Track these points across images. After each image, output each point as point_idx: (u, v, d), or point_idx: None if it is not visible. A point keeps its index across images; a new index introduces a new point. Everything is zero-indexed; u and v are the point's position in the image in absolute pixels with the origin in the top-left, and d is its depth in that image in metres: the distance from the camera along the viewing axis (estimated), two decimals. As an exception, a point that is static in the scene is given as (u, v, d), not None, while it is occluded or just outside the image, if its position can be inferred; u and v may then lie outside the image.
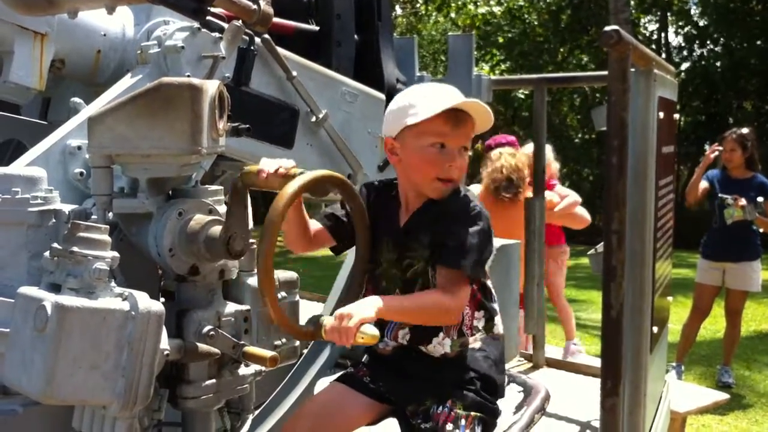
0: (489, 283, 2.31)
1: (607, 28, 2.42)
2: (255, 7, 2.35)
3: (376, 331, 1.91)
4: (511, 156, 5.44)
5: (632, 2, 17.89)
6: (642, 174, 2.75)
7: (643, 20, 21.65)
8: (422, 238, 2.18)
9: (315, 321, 2.01)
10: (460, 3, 19.50)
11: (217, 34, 2.59)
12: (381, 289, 2.26)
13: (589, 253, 5.04)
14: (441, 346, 2.24)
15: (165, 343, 1.83)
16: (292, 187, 1.97)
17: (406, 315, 2.13)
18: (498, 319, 2.34)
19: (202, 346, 2.01)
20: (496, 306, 2.34)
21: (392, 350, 2.31)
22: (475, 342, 2.27)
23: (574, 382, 4.15)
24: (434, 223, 2.16)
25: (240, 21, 2.60)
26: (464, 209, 2.15)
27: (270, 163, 2.08)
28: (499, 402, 2.29)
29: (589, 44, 19.74)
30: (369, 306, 1.96)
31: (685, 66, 20.74)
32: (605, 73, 2.66)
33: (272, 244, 1.91)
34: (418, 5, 20.84)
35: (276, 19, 2.60)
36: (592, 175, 18.72)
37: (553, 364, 4.45)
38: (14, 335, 1.76)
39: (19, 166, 2.14)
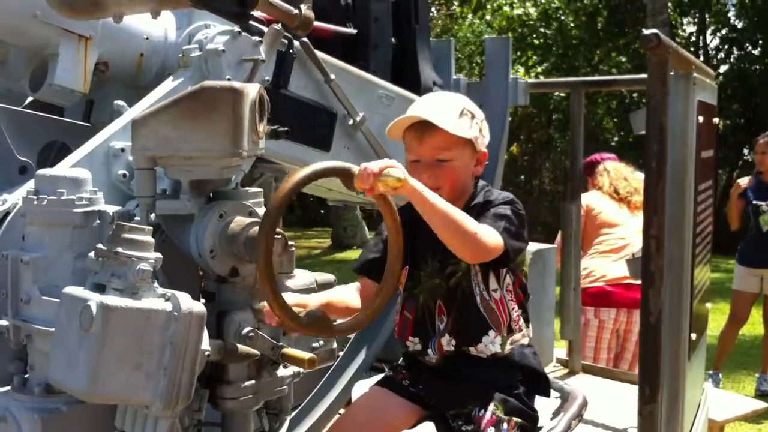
0: (527, 286, 2.35)
1: (647, 32, 2.41)
2: (296, 11, 2.37)
3: (400, 174, 1.89)
4: (626, 168, 5.57)
5: (670, 4, 17.71)
6: (681, 179, 2.73)
7: (681, 22, 21.43)
8: None
9: (314, 314, 1.98)
10: (495, 5, 19.44)
11: (257, 38, 2.62)
12: (420, 305, 2.29)
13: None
14: (492, 344, 2.25)
15: (206, 343, 1.86)
16: (298, 174, 1.93)
17: (433, 207, 2.00)
18: (531, 324, 2.38)
19: (242, 347, 2.04)
20: (530, 311, 2.37)
21: (438, 360, 2.32)
22: (523, 338, 2.29)
23: (611, 389, 4.11)
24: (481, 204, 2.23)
25: (279, 24, 2.62)
26: (497, 196, 2.24)
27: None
28: (537, 408, 2.29)
29: (626, 46, 19.56)
30: (402, 167, 1.94)
31: (723, 68, 20.49)
32: (644, 76, 2.64)
33: (272, 233, 1.89)
34: (453, 7, 20.81)
35: (315, 23, 2.62)
36: (628, 178, 18.60)
37: (589, 370, 4.42)
38: (59, 334, 1.80)
39: (64, 168, 2.18)
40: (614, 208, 5.33)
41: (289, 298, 2.03)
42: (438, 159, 2.23)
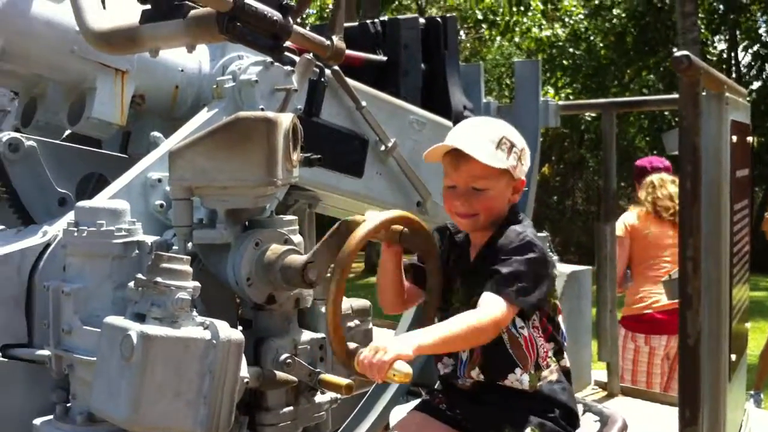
0: (560, 318, 2.32)
1: (678, 54, 2.41)
2: (328, 42, 2.41)
3: (409, 370, 1.88)
4: (673, 184, 5.27)
5: (700, 22, 17.60)
6: (716, 199, 2.71)
7: (712, 39, 21.29)
8: (486, 273, 2.18)
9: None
10: (524, 27, 19.46)
11: (289, 67, 2.66)
12: None
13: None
14: (519, 382, 2.23)
15: (245, 370, 1.88)
16: (364, 228, 2.04)
17: (445, 345, 2.07)
18: (566, 354, 2.34)
19: (280, 374, 2.05)
20: (564, 341, 2.34)
21: (470, 386, 2.31)
22: (551, 374, 2.26)
23: (651, 411, 4.06)
24: (493, 257, 2.19)
25: (311, 53, 2.66)
26: (513, 240, 2.18)
27: (375, 216, 2.15)
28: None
29: (656, 65, 19.47)
30: (406, 343, 1.93)
31: (756, 85, 20.28)
32: (675, 96, 2.63)
33: (342, 282, 1.98)
34: (481, 30, 20.87)
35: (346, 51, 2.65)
36: (661, 197, 18.42)
37: (628, 392, 4.37)
38: (101, 364, 1.82)
39: (103, 199, 2.22)
40: (659, 229, 5.19)
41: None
42: (473, 187, 2.24)
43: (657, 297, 5.07)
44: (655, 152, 18.61)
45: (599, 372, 4.66)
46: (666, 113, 17.78)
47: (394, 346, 1.90)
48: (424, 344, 1.96)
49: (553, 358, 2.28)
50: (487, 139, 2.23)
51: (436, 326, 2.07)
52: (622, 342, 5.06)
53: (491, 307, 2.07)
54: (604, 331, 4.37)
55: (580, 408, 2.38)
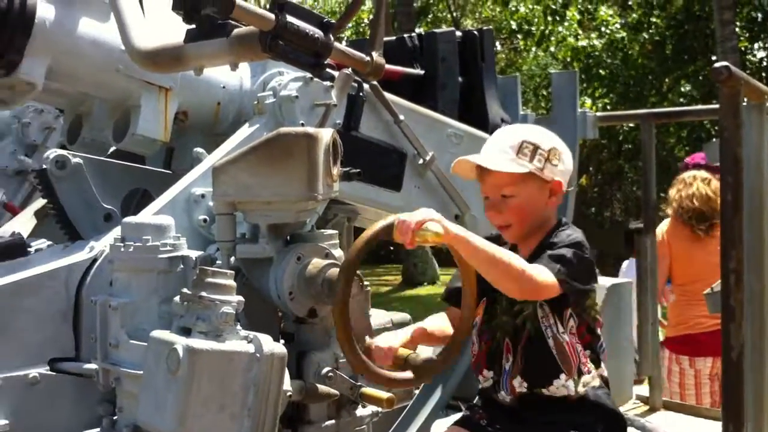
0: (599, 330, 2.32)
1: (717, 65, 2.39)
2: (368, 59, 2.44)
3: (439, 229, 1.92)
4: (704, 183, 4.85)
5: (738, 30, 17.40)
6: (758, 210, 2.68)
7: (752, 47, 21.03)
8: None
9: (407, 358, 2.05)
10: (559, 36, 19.39)
11: (328, 83, 2.69)
12: (494, 339, 2.30)
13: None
14: (564, 387, 2.23)
15: (287, 384, 1.90)
16: (368, 232, 2.03)
17: (477, 254, 2.03)
18: (603, 364, 2.34)
19: (322, 387, 2.08)
20: (602, 351, 2.34)
21: (510, 402, 2.31)
22: (593, 380, 2.26)
23: (694, 426, 4.01)
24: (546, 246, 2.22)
25: (349, 68, 2.69)
26: (563, 239, 2.22)
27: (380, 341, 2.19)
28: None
29: (694, 73, 19.26)
30: (441, 219, 1.97)
31: (798, 92, 19.98)
32: (715, 107, 2.61)
33: (348, 291, 1.98)
34: (517, 41, 20.84)
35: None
36: (703, 208, 18.18)
37: (670, 406, 4.31)
38: (147, 377, 1.86)
39: (148, 215, 2.27)
40: (691, 240, 4.84)
41: (384, 339, 2.14)
42: (502, 195, 2.28)
43: (699, 320, 4.85)
44: (694, 162, 18.35)
45: (641, 387, 4.60)
46: (706, 123, 17.58)
47: (427, 212, 1.96)
48: (466, 237, 1.99)
49: (593, 365, 2.28)
50: (506, 146, 2.27)
51: (484, 239, 2.09)
52: (667, 364, 4.94)
53: (538, 268, 2.08)
54: (646, 345, 4.32)
55: (621, 422, 2.36)
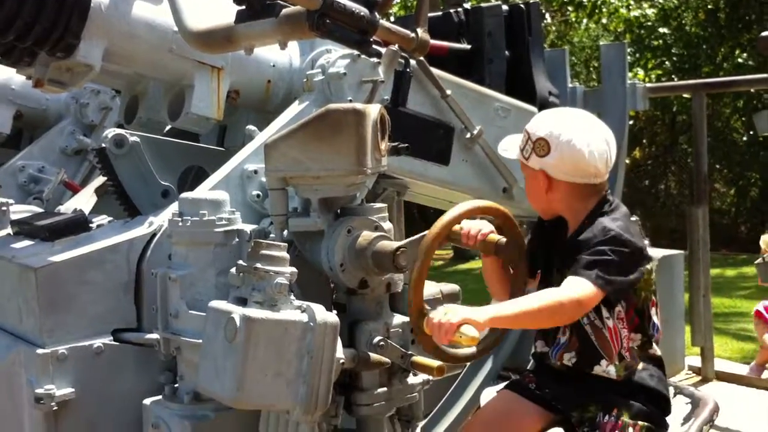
0: (652, 311, 2.30)
1: (764, 33, 2.37)
2: (413, 35, 2.47)
3: (476, 333, 1.93)
4: None
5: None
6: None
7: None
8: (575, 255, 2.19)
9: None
10: (611, 8, 19.04)
11: (375, 60, 2.72)
12: None
13: (756, 262, 4.77)
14: (605, 372, 2.26)
15: (340, 352, 1.96)
16: (448, 215, 2.12)
17: (520, 319, 2.07)
18: (655, 344, 2.33)
19: (374, 356, 2.13)
20: (656, 332, 2.32)
21: (560, 366, 2.34)
22: (636, 364, 2.26)
23: (746, 396, 3.99)
24: (578, 249, 2.19)
25: (396, 45, 2.72)
26: (597, 235, 2.17)
27: (472, 225, 2.27)
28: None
29: (750, 42, 18.79)
30: (480, 312, 1.97)
31: None
32: (766, 75, 2.59)
33: (426, 267, 2.05)
34: (568, 13, 20.53)
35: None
36: (761, 180, 17.75)
37: (723, 377, 4.29)
38: (206, 345, 1.94)
39: (203, 191, 2.35)
40: None
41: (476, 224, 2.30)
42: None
43: None
44: (751, 132, 18.01)
45: (693, 357, 4.59)
46: (764, 93, 17.16)
47: (465, 310, 1.96)
48: (499, 316, 2.00)
49: (636, 348, 2.28)
50: (522, 132, 2.36)
51: (515, 300, 2.10)
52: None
53: (572, 286, 2.08)
54: (698, 317, 4.31)
55: (671, 391, 2.37)
